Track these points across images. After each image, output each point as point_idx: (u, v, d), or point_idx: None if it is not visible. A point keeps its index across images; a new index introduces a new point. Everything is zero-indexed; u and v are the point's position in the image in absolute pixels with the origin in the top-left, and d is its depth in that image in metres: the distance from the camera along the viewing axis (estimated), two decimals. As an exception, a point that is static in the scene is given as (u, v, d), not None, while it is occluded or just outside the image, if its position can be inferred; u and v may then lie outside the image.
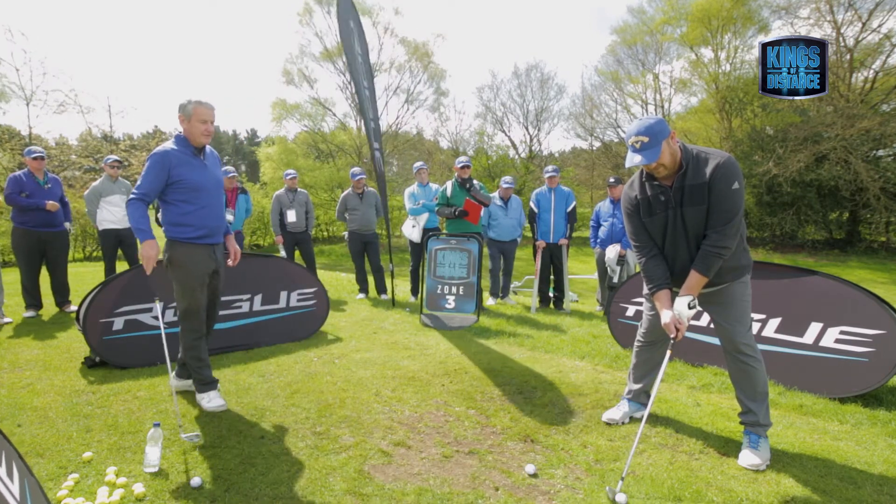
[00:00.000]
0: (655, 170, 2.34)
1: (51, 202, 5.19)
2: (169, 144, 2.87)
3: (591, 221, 6.40)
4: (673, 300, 2.42)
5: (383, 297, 6.77)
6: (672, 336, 2.36)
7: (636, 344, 2.86)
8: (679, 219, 2.36)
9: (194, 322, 2.96)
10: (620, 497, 2.03)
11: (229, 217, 6.27)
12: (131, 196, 2.79)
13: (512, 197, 6.38)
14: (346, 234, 6.87)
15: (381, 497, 2.08)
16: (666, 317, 2.37)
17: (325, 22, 25.86)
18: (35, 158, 5.21)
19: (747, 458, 2.36)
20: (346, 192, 6.81)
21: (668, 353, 2.48)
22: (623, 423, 2.81)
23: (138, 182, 2.81)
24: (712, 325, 3.40)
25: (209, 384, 3.00)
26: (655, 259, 2.49)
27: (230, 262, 3.19)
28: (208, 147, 3.01)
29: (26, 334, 4.57)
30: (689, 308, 2.31)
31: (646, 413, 2.36)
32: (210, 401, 2.95)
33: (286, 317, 4.56)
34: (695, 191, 2.29)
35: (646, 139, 2.25)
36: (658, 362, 2.71)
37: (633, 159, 2.29)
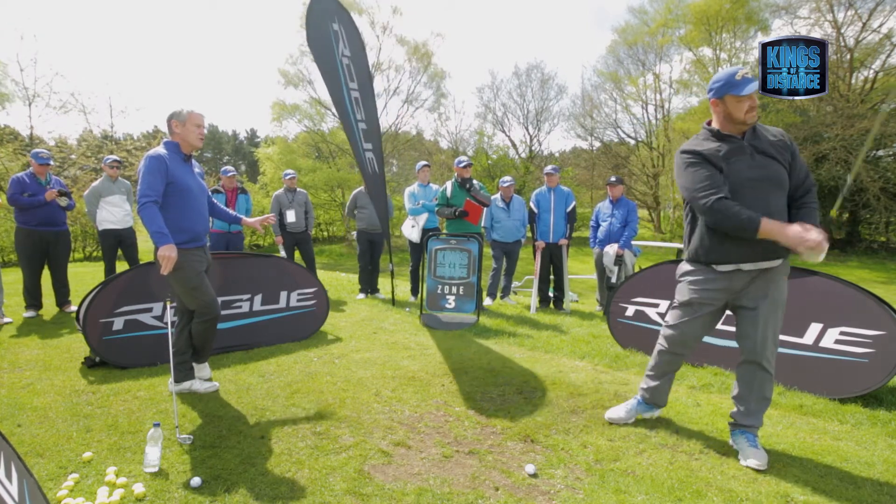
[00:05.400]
0: (752, 112, 2.34)
1: (49, 191, 5.19)
2: (161, 149, 3.00)
3: (591, 221, 6.39)
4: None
5: (380, 296, 6.77)
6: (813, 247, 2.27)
7: (664, 353, 2.70)
8: (760, 167, 2.34)
9: (211, 312, 3.10)
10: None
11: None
12: (143, 201, 2.82)
13: (514, 197, 6.37)
14: (354, 232, 6.86)
15: (381, 497, 2.08)
16: (810, 233, 2.28)
17: (325, 22, 25.69)
18: (41, 164, 5.25)
19: (755, 456, 2.33)
20: (357, 190, 6.83)
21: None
22: (628, 423, 2.79)
23: (141, 186, 2.85)
24: (719, 328, 3.40)
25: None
26: (729, 200, 2.32)
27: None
28: (193, 159, 3.21)
29: (26, 334, 4.57)
30: None
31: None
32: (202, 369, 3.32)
33: (286, 317, 4.56)
34: (773, 146, 2.36)
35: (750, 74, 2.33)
36: (678, 367, 2.75)
37: (753, 86, 2.30)
